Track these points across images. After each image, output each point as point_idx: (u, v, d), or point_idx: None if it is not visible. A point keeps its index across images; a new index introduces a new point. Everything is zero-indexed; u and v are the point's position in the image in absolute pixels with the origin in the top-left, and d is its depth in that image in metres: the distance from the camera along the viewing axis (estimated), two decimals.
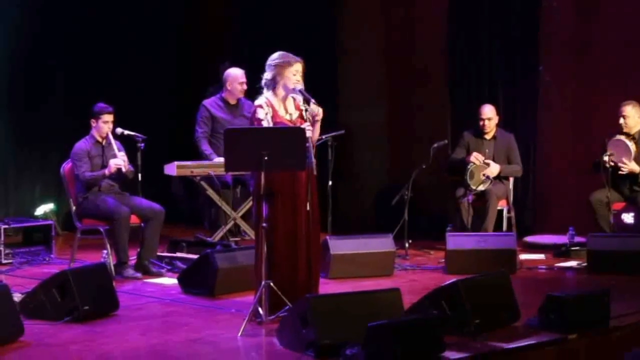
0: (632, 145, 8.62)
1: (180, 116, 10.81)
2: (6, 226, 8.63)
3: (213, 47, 11.47)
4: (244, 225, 8.94)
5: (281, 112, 6.25)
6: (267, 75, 6.26)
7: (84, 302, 6.12)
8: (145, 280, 7.64)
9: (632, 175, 8.65)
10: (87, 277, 6.34)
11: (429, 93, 10.62)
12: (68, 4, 10.33)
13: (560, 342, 5.72)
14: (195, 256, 7.53)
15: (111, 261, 7.66)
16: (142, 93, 10.78)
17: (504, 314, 6.02)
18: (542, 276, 7.99)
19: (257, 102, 6.25)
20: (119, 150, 7.91)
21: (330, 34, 11.00)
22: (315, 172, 6.15)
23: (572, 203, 9.58)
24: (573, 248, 8.61)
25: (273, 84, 6.23)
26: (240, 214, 8.94)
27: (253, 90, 6.58)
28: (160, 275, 7.78)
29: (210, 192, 8.82)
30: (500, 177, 8.98)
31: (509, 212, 9.11)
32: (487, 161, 8.89)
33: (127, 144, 8.16)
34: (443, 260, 8.15)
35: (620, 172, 8.60)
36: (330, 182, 8.41)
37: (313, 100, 6.19)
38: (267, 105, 6.20)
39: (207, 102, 9.08)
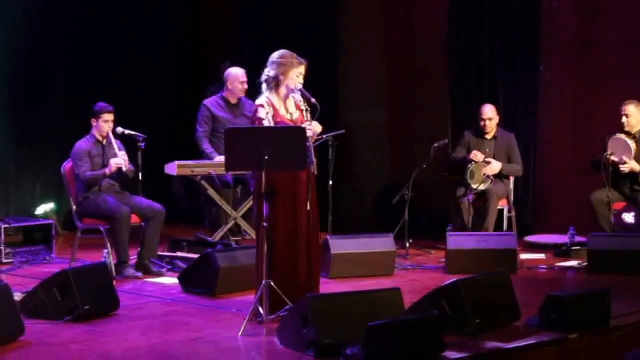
0: (632, 144, 8.63)
1: (181, 116, 10.81)
2: (6, 225, 8.62)
3: (213, 47, 11.47)
4: (244, 225, 8.94)
5: (282, 111, 6.25)
6: (269, 72, 6.25)
7: (85, 301, 6.12)
8: (146, 280, 7.64)
9: (632, 174, 8.65)
10: (87, 276, 6.34)
11: (429, 93, 10.63)
12: (68, 4, 10.33)
13: (561, 341, 5.72)
14: (195, 255, 7.53)
15: (111, 260, 7.66)
16: (142, 93, 10.77)
17: (504, 314, 6.02)
18: (542, 276, 7.99)
19: (258, 102, 6.25)
20: (120, 150, 7.91)
21: (330, 34, 11.00)
22: (315, 172, 6.15)
23: (573, 203, 9.58)
24: (573, 248, 8.61)
25: (275, 83, 6.23)
26: (241, 213, 8.94)
27: (253, 90, 6.57)
28: (160, 274, 7.78)
29: (211, 191, 8.82)
30: (500, 177, 8.98)
31: (509, 211, 9.11)
32: (487, 159, 8.89)
33: (127, 143, 8.16)
34: (443, 259, 8.15)
35: (621, 171, 8.60)
36: (330, 182, 8.41)
37: (313, 100, 6.19)
38: (268, 105, 6.20)
39: (207, 102, 9.08)
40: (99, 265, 6.79)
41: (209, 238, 8.56)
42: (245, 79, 8.97)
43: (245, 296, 6.74)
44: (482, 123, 9.05)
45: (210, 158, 8.76)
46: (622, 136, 8.67)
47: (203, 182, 8.79)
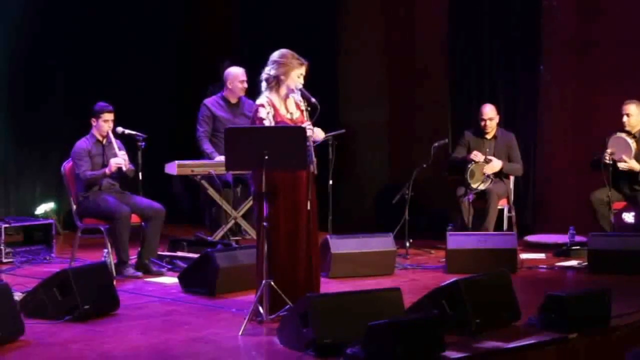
0: (632, 143, 8.63)
1: (181, 116, 10.82)
2: (7, 225, 8.63)
3: (213, 47, 11.47)
4: (244, 225, 8.94)
5: (282, 110, 6.25)
6: (270, 71, 6.24)
7: (85, 301, 6.12)
8: (146, 280, 7.64)
9: (632, 174, 8.65)
10: (87, 276, 6.34)
11: (430, 93, 10.63)
12: (68, 4, 10.33)
13: (561, 341, 5.72)
14: (195, 255, 7.53)
15: (112, 260, 7.66)
16: (142, 93, 10.78)
17: (505, 314, 6.02)
18: (542, 276, 7.99)
19: (258, 102, 6.25)
20: (120, 149, 7.91)
21: (330, 34, 11.01)
22: (315, 172, 6.15)
23: (573, 202, 9.59)
24: (573, 247, 8.61)
25: (276, 82, 6.23)
26: (241, 213, 8.94)
27: (254, 89, 6.57)
28: (160, 274, 7.78)
29: (211, 191, 8.82)
30: (500, 177, 8.99)
31: (509, 211, 9.12)
32: (489, 157, 8.89)
33: (127, 143, 8.16)
34: (444, 259, 8.15)
35: (619, 168, 8.59)
36: (330, 182, 8.41)
37: (313, 100, 6.19)
38: (269, 105, 6.20)
39: (208, 101, 9.09)
40: (99, 265, 6.78)
41: (209, 238, 8.56)
42: (245, 78, 8.97)
43: (246, 296, 6.74)
44: (482, 123, 9.06)
45: (210, 158, 8.76)
46: (623, 135, 8.68)
47: (203, 182, 8.79)
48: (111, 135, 7.93)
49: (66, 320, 6.08)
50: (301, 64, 6.23)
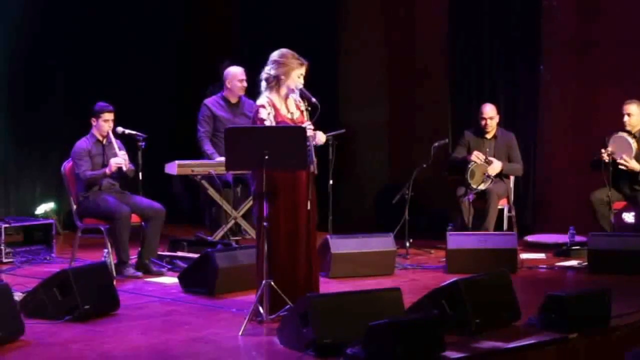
0: (633, 143, 8.63)
1: (181, 116, 10.82)
2: (7, 225, 8.62)
3: (213, 46, 11.47)
4: (244, 225, 8.95)
5: (283, 110, 6.25)
6: (270, 71, 6.23)
7: (85, 301, 6.12)
8: (146, 280, 7.64)
9: (632, 174, 8.65)
10: (87, 276, 6.34)
11: (430, 93, 10.63)
12: (68, 4, 10.33)
13: (561, 341, 5.72)
14: (195, 255, 7.53)
15: (112, 260, 7.66)
16: (142, 93, 10.77)
17: (505, 314, 6.03)
18: (542, 276, 8.00)
19: (259, 102, 6.24)
20: (120, 149, 7.90)
21: (330, 34, 11.01)
22: (315, 172, 6.15)
23: (573, 202, 9.58)
24: (574, 247, 8.61)
25: (276, 82, 6.22)
26: (241, 213, 8.94)
27: (254, 89, 6.57)
28: (160, 274, 7.78)
29: (211, 191, 8.82)
30: (501, 176, 8.99)
31: (509, 211, 9.12)
32: (489, 159, 8.90)
33: (127, 143, 8.16)
34: (444, 259, 8.15)
35: (620, 167, 8.59)
36: (330, 182, 8.41)
37: (313, 99, 6.19)
38: (270, 105, 6.20)
39: (208, 101, 9.09)
40: (99, 265, 6.78)
41: (209, 238, 8.56)
42: (244, 77, 8.98)
43: (246, 296, 6.74)
44: (483, 122, 9.06)
45: (211, 159, 8.76)
46: (624, 135, 8.68)
47: (203, 182, 8.80)
48: (111, 135, 7.93)
49: (66, 320, 6.08)
50: (301, 64, 6.23)
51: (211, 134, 8.97)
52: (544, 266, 8.29)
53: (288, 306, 5.88)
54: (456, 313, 5.74)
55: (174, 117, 11.23)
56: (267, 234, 5.98)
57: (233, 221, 8.91)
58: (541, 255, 8.71)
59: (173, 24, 11.53)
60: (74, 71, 10.42)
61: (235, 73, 9.04)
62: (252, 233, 8.29)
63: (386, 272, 7.83)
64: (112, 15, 10.65)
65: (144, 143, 8.19)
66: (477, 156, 8.89)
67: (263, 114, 6.17)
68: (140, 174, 8.12)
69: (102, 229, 7.77)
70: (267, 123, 6.14)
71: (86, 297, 6.15)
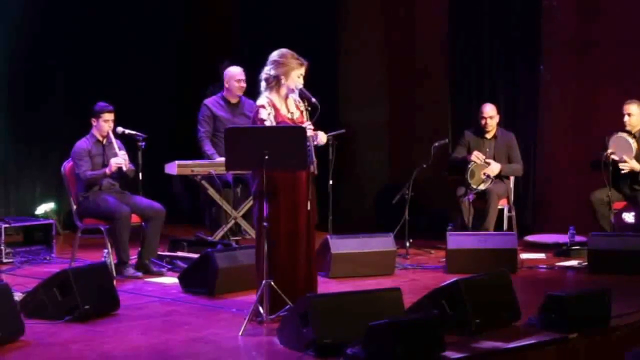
0: (633, 143, 8.63)
1: (181, 116, 10.82)
2: (7, 225, 8.62)
3: (213, 46, 11.47)
4: (244, 225, 8.95)
5: (283, 110, 6.25)
6: (270, 71, 6.23)
7: (85, 301, 6.12)
8: (146, 280, 7.64)
9: (632, 174, 8.66)
10: (87, 276, 6.34)
11: (430, 92, 10.63)
12: (68, 4, 10.33)
13: (561, 341, 5.72)
14: (195, 255, 7.53)
15: (112, 260, 7.65)
16: (142, 93, 10.78)
17: (505, 314, 6.03)
18: (542, 276, 7.99)
19: (259, 102, 6.24)
20: (120, 150, 7.90)
21: (330, 34, 11.01)
22: (315, 172, 6.15)
23: (573, 202, 9.58)
24: (574, 247, 8.61)
25: (276, 82, 6.22)
26: (241, 213, 8.94)
27: (254, 89, 6.57)
28: (160, 274, 7.78)
29: (211, 191, 8.82)
30: (500, 177, 8.99)
31: (509, 211, 9.12)
32: (487, 160, 8.90)
33: (127, 143, 8.16)
34: (444, 259, 8.15)
35: (621, 171, 8.60)
36: (330, 182, 8.40)
37: (313, 100, 6.19)
38: (270, 105, 6.20)
39: (208, 101, 9.10)
40: (99, 265, 6.78)
41: (209, 238, 8.56)
42: (242, 77, 8.98)
43: (246, 296, 6.74)
44: (482, 122, 9.06)
45: (211, 159, 8.76)
46: (624, 135, 8.68)
47: (203, 182, 8.80)
48: (111, 135, 7.92)
49: (66, 320, 6.07)
50: (301, 64, 6.23)
51: (211, 134, 8.97)
52: (544, 266, 8.29)
53: (288, 306, 5.88)
54: (456, 313, 5.74)
55: (174, 117, 11.23)
56: (267, 234, 5.98)
57: (233, 221, 8.91)
58: (541, 255, 8.71)
59: (173, 24, 11.53)
60: (74, 71, 10.42)
61: (233, 73, 9.05)
62: (252, 233, 8.28)
63: (386, 272, 7.83)
64: (112, 15, 10.65)
65: (143, 143, 8.18)
66: (477, 156, 8.89)
67: (263, 114, 6.16)
68: (140, 174, 8.11)
69: (102, 229, 7.77)
70: (268, 123, 6.14)
71: (86, 297, 6.15)
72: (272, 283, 5.96)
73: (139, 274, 7.73)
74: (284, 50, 6.26)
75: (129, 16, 10.82)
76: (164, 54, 11.36)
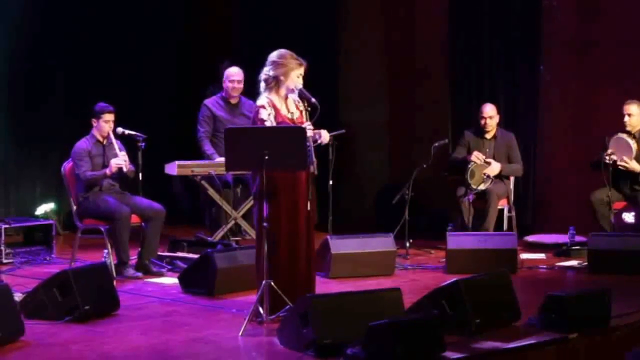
0: (633, 144, 8.63)
1: (181, 116, 10.82)
2: (7, 226, 8.62)
3: (213, 47, 11.47)
4: (244, 225, 8.95)
5: (283, 110, 6.25)
6: (269, 72, 6.23)
7: (85, 301, 6.12)
8: (146, 280, 7.64)
9: (632, 174, 8.66)
10: (87, 276, 6.34)
11: (430, 92, 10.64)
12: (68, 4, 10.32)
13: (561, 341, 5.72)
14: (195, 256, 7.53)
15: (112, 261, 7.65)
16: (142, 93, 10.78)
17: (505, 314, 6.03)
18: (542, 276, 7.99)
19: (259, 102, 6.24)
20: (120, 150, 7.90)
21: (330, 34, 11.01)
22: (315, 172, 6.15)
23: (573, 202, 9.58)
24: (574, 247, 8.61)
25: (276, 83, 6.22)
26: (241, 213, 8.94)
27: (254, 89, 6.57)
28: (160, 275, 7.78)
29: (211, 191, 8.82)
30: (500, 177, 8.99)
31: (509, 211, 9.12)
32: (488, 160, 8.90)
33: (127, 143, 8.16)
34: (444, 259, 8.15)
35: (619, 167, 8.58)
36: (330, 182, 8.40)
37: (313, 100, 6.19)
38: (270, 106, 6.19)
39: (208, 102, 9.10)
40: (99, 265, 6.78)
41: (209, 238, 8.56)
42: (237, 78, 8.99)
43: (246, 296, 6.74)
44: (482, 122, 9.06)
45: (211, 159, 8.76)
46: (624, 136, 8.68)
47: (203, 182, 8.80)
48: (112, 136, 7.92)
49: (66, 320, 6.08)
50: (300, 65, 6.23)
51: (211, 134, 8.97)
52: (544, 266, 8.29)
53: (288, 306, 5.88)
54: (456, 313, 5.74)
55: (174, 117, 11.23)
56: (268, 235, 5.98)
57: (233, 221, 8.91)
58: (541, 256, 8.71)
59: (173, 24, 11.53)
60: (74, 71, 10.41)
61: (228, 74, 9.07)
62: (252, 233, 8.29)
63: (386, 273, 7.83)
64: (112, 15, 10.65)
65: (143, 143, 8.18)
66: (476, 156, 8.89)
67: (263, 114, 6.16)
68: (140, 174, 8.11)
69: (102, 229, 7.77)
70: (268, 124, 6.14)
71: (86, 298, 6.15)
72: (272, 283, 5.96)
73: (139, 274, 7.73)
74: (282, 50, 6.26)
75: (129, 16, 10.82)
76: (164, 54, 11.36)
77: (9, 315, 5.62)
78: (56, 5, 10.27)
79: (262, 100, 6.23)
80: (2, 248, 8.47)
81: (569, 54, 9.94)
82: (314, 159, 6.11)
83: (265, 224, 5.98)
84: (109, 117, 7.90)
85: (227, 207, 8.87)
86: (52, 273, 6.46)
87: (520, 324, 6.02)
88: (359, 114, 10.82)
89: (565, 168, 9.93)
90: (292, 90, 6.24)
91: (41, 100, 10.29)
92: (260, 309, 5.98)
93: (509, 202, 9.11)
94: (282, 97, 6.26)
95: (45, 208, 10.12)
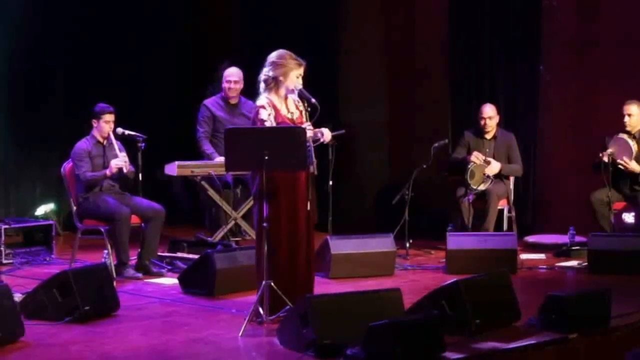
0: (633, 145, 8.63)
1: (181, 116, 10.82)
2: (7, 226, 8.62)
3: (213, 47, 11.47)
4: (244, 225, 8.94)
5: (283, 111, 6.25)
6: (269, 73, 6.23)
7: (85, 302, 6.12)
8: (146, 281, 7.64)
9: (632, 174, 8.65)
10: (87, 277, 6.34)
11: (430, 93, 10.64)
12: (68, 4, 10.33)
13: (561, 341, 5.72)
14: (195, 256, 7.53)
15: (112, 261, 7.65)
16: (142, 93, 10.78)
17: (505, 314, 6.03)
18: (542, 276, 7.99)
19: (259, 103, 6.24)
20: (120, 151, 7.90)
21: (330, 34, 11.01)
22: (315, 172, 6.15)
23: (573, 203, 9.58)
24: (574, 248, 8.61)
25: (275, 83, 6.22)
26: (241, 213, 8.94)
27: (254, 90, 6.57)
28: (160, 275, 7.78)
29: (211, 192, 8.82)
30: (500, 177, 8.99)
31: (509, 211, 9.12)
32: (488, 159, 8.90)
33: (127, 144, 8.16)
34: (444, 260, 8.15)
35: (619, 166, 8.58)
36: (330, 182, 8.39)
37: (313, 100, 6.19)
38: (270, 106, 6.19)
39: (208, 102, 9.10)
40: (99, 266, 6.78)
41: (209, 239, 8.55)
42: (235, 78, 8.99)
43: (245, 297, 6.74)
44: (482, 122, 9.06)
45: (210, 159, 8.77)
46: (624, 136, 8.68)
47: (203, 183, 8.79)
48: (112, 137, 7.92)
49: (66, 321, 6.07)
50: (299, 65, 6.23)
51: (210, 134, 8.97)
52: (544, 266, 8.29)
53: (288, 307, 5.88)
54: (456, 313, 5.74)
55: (174, 117, 11.23)
56: (267, 235, 5.98)
57: (233, 222, 8.91)
58: (541, 256, 8.71)
59: (173, 24, 11.53)
60: (74, 71, 10.42)
61: (226, 74, 9.08)
62: (252, 234, 8.28)
63: (386, 273, 7.83)
64: (112, 15, 10.65)
65: (143, 144, 8.18)
66: (476, 157, 8.88)
67: (263, 114, 6.16)
68: (140, 175, 8.11)
69: (102, 230, 7.77)
70: (268, 124, 6.14)
71: (86, 298, 6.15)
72: (272, 284, 5.96)
73: (139, 274, 7.73)
74: (282, 51, 6.26)
75: (129, 16, 10.82)
76: (164, 54, 11.36)
77: (9, 315, 5.62)
78: (56, 5, 10.27)
79: (262, 100, 6.23)
80: (2, 248, 8.47)
81: (569, 54, 9.94)
82: (314, 159, 6.11)
83: (265, 224, 5.98)
84: (109, 117, 7.90)
85: (227, 208, 8.87)
86: (52, 273, 6.47)
87: (520, 324, 6.02)
88: (359, 114, 10.82)
89: (565, 168, 9.93)
90: (292, 91, 6.24)
91: (41, 100, 10.30)
92: (260, 310, 5.98)
93: (508, 203, 9.10)
94: (281, 98, 6.26)
95: (45, 208, 10.12)
